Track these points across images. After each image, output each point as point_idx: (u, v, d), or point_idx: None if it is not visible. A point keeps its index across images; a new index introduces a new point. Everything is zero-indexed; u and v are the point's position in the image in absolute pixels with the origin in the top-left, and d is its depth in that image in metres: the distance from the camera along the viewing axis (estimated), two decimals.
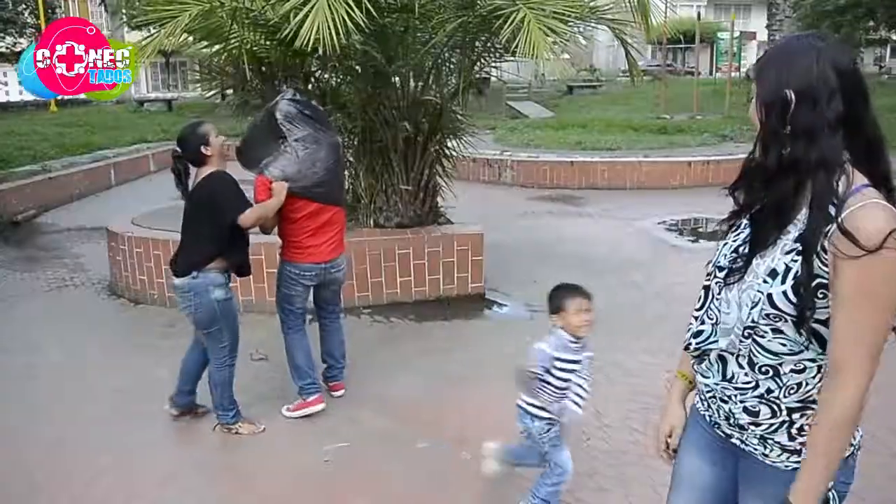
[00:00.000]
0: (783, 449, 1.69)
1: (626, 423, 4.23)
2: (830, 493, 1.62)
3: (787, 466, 1.69)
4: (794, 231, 1.62)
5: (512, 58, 4.42)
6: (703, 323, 1.79)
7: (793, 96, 1.58)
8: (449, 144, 6.80)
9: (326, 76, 6.23)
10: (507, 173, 13.19)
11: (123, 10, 23.79)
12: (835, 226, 1.50)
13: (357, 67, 6.06)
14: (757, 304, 1.63)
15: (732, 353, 1.71)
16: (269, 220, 4.20)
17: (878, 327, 1.51)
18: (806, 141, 1.58)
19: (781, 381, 1.65)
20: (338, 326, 4.78)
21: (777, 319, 1.61)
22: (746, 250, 1.71)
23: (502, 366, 4.84)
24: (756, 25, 40.45)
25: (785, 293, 1.58)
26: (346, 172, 5.95)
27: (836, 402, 1.53)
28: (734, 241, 1.76)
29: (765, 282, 1.62)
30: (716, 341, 1.75)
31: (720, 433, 1.83)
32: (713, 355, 1.76)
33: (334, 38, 4.16)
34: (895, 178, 1.63)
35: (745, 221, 1.76)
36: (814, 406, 1.63)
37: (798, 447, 1.67)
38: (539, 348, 3.07)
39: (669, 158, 12.91)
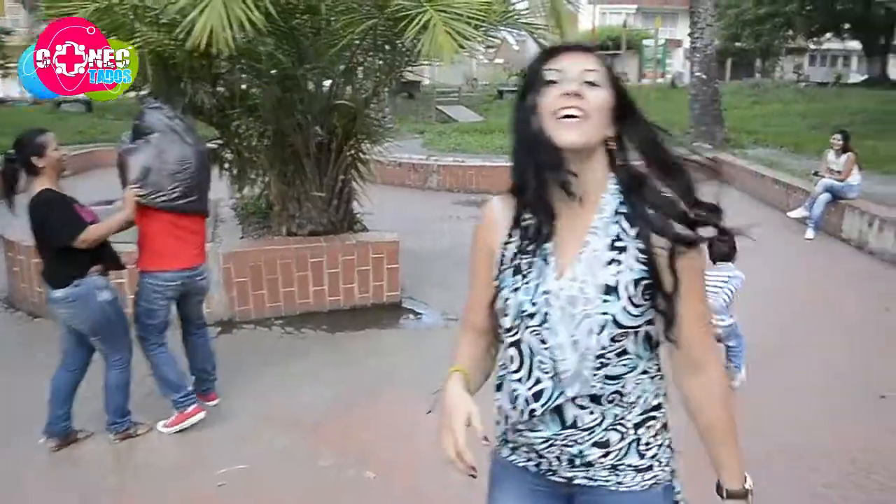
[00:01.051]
0: (636, 470, 1.60)
1: None
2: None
3: (643, 486, 1.61)
4: (597, 240, 1.52)
5: (439, 62, 4.29)
6: (538, 382, 1.55)
7: None
8: (364, 149, 6.63)
9: (235, 78, 5.99)
10: (434, 178, 13.08)
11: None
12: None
13: (268, 70, 5.84)
14: (603, 328, 1.50)
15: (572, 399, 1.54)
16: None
17: (707, 313, 1.63)
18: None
19: (625, 401, 1.56)
20: (206, 339, 4.65)
21: (622, 338, 1.52)
22: (544, 284, 1.53)
23: (415, 378, 4.76)
24: (682, 33, 41.44)
25: (625, 308, 1.49)
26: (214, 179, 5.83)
27: (716, 392, 1.59)
28: (526, 281, 1.55)
29: (605, 302, 1.50)
30: (562, 392, 1.54)
31: (555, 479, 1.65)
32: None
33: (229, 38, 3.96)
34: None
35: (527, 259, 1.57)
36: (654, 413, 1.61)
37: (649, 463, 1.61)
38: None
39: None
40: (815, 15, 32.57)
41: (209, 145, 6.76)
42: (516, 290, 1.54)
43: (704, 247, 1.54)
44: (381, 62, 6.09)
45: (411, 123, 21.96)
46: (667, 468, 1.63)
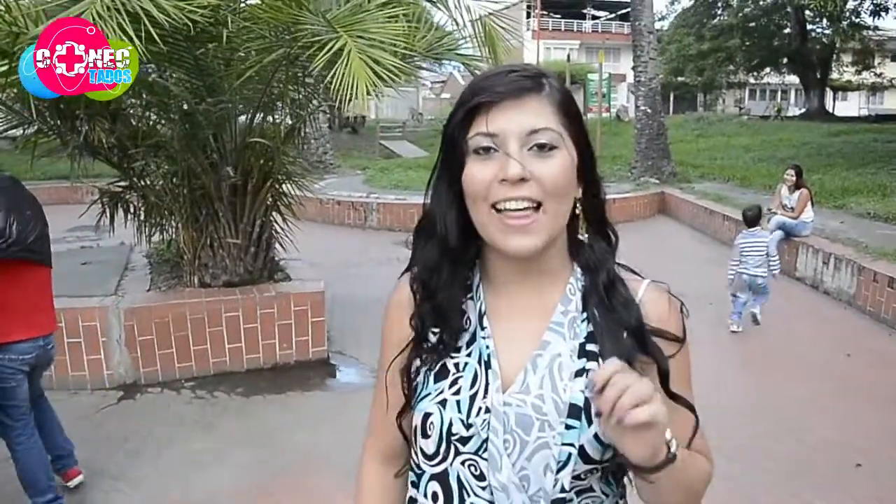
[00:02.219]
0: None
1: None
2: None
3: None
4: (559, 340, 1.10)
5: (354, 95, 3.76)
6: None
7: None
8: (285, 191, 6.03)
9: (138, 114, 5.37)
10: (374, 216, 12.52)
11: None
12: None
13: (174, 104, 5.24)
14: (565, 464, 1.06)
15: None
16: None
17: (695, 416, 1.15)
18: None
19: None
20: (52, 410, 4.00)
21: (587, 476, 1.08)
22: (483, 397, 1.09)
23: (336, 457, 4.13)
24: (626, 68, 41.95)
25: (597, 435, 1.04)
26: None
27: (705, 467, 1.16)
28: (456, 390, 1.11)
29: (568, 428, 1.05)
30: None
31: None
32: None
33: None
34: None
35: (457, 358, 1.14)
36: None
37: None
38: None
39: None
40: (754, 50, 33.21)
41: (112, 187, 6.14)
42: (443, 402, 1.11)
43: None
44: (300, 96, 5.53)
45: (354, 159, 21.45)
46: None
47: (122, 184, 5.97)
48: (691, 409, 1.12)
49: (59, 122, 5.30)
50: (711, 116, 31.32)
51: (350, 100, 3.57)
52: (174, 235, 5.93)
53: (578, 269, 1.15)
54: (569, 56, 25.80)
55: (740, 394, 5.23)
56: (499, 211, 1.05)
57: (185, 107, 5.35)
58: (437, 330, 1.15)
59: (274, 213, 6.10)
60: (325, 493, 3.88)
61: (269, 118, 5.71)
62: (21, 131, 5.50)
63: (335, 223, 12.90)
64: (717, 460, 1.24)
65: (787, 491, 3.88)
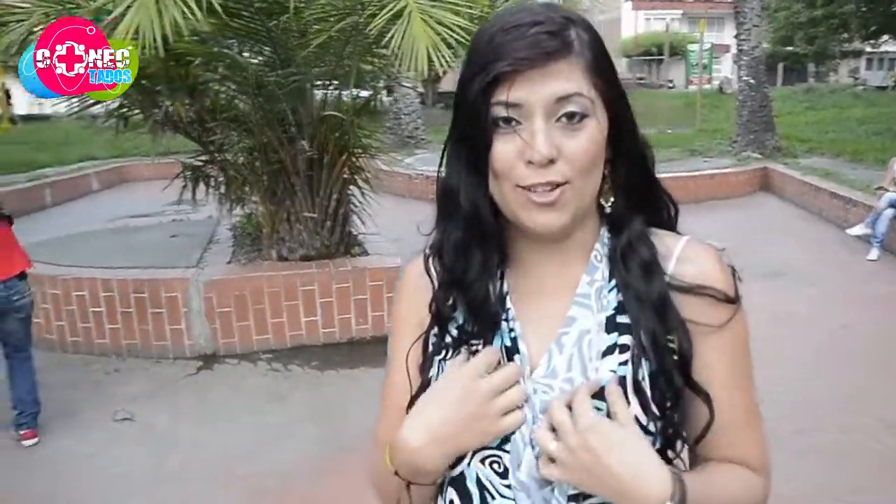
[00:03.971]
0: None
1: None
2: None
3: None
4: (586, 315, 0.98)
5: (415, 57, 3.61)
6: None
7: None
8: (362, 164, 5.98)
9: (215, 88, 5.40)
10: None
11: None
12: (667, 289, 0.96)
13: (248, 77, 5.24)
14: None
15: None
16: None
17: (756, 404, 1.03)
18: None
19: None
20: (29, 367, 4.19)
21: None
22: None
23: None
24: (730, 38, 40.20)
25: (636, 418, 0.92)
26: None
27: (751, 489, 1.01)
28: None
29: (598, 410, 0.91)
30: None
31: None
32: None
33: (158, 39, 3.37)
34: None
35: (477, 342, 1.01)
36: None
37: None
38: None
39: None
40: (871, 16, 31.06)
41: (194, 161, 6.25)
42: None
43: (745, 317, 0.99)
44: (374, 68, 5.44)
45: (446, 134, 21.32)
46: None
47: (203, 158, 6.06)
48: (708, 402, 0.97)
49: (140, 97, 5.40)
50: (823, 88, 29.63)
51: (411, 65, 3.42)
52: (254, 209, 5.97)
53: (606, 235, 1.02)
54: (667, 26, 24.81)
55: (833, 389, 4.86)
56: (525, 192, 0.93)
57: (259, 80, 5.37)
58: (460, 319, 1.03)
59: (351, 188, 6.05)
60: None
61: (344, 92, 5.64)
62: (102, 108, 5.63)
63: (423, 199, 12.84)
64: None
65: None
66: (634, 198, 1.02)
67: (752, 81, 14.54)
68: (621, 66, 42.53)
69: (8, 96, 27.18)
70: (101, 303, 5.55)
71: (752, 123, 14.62)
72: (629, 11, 42.14)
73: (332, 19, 4.41)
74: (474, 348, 1.00)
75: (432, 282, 1.05)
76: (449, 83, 31.87)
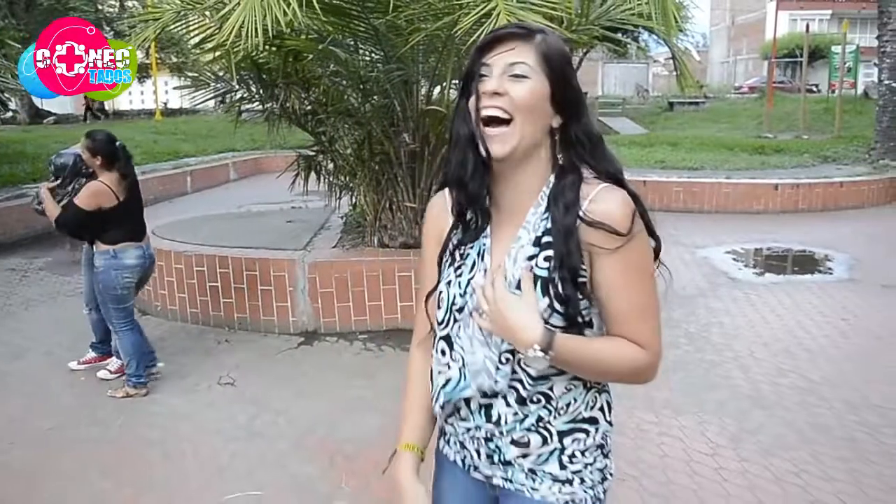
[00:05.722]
0: (554, 479, 1.53)
1: None
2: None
3: (557, 500, 1.53)
4: (526, 235, 1.48)
5: None
6: (448, 368, 1.54)
7: None
8: None
9: (326, 83, 5.76)
10: None
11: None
12: (579, 221, 1.43)
13: (356, 72, 5.58)
14: None
15: (496, 395, 1.50)
16: None
17: (652, 303, 1.48)
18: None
19: (551, 404, 1.49)
20: None
21: None
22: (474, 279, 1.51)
23: None
24: None
25: (550, 305, 1.43)
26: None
27: (637, 361, 1.47)
28: (459, 274, 1.54)
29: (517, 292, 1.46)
30: (467, 386, 1.51)
31: (477, 477, 1.60)
32: (474, 403, 1.53)
33: (259, 36, 3.71)
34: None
35: (462, 251, 1.56)
36: (586, 427, 1.54)
37: (570, 476, 1.53)
38: None
39: (754, 180, 11.79)
40: None
41: (307, 152, 6.67)
42: (449, 283, 1.54)
43: (645, 241, 1.47)
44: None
45: None
46: (590, 491, 1.54)
47: (315, 148, 6.47)
48: (589, 299, 1.45)
49: (260, 90, 5.85)
50: None
51: None
52: (359, 198, 6.32)
53: (552, 181, 1.48)
54: (807, 26, 23.61)
55: None
56: (483, 122, 1.43)
57: (364, 74, 5.69)
58: (470, 214, 1.53)
59: None
60: None
61: (449, 88, 5.88)
62: (224, 100, 6.12)
63: None
64: None
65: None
66: (580, 155, 1.48)
67: (894, 85, 13.74)
68: (762, 68, 40.69)
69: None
70: (218, 278, 6.05)
71: (893, 130, 13.82)
72: (782, 12, 40.35)
73: (431, 18, 4.64)
74: (465, 251, 1.54)
75: (451, 197, 1.57)
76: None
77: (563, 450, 1.52)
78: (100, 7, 29.45)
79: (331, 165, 6.53)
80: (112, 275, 4.55)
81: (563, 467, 1.52)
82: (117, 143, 4.47)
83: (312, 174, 6.73)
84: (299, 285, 5.90)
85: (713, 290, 7.16)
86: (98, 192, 4.43)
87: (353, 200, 6.71)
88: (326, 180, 6.65)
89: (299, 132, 6.86)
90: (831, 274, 7.87)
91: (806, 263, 8.54)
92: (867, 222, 10.67)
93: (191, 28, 5.31)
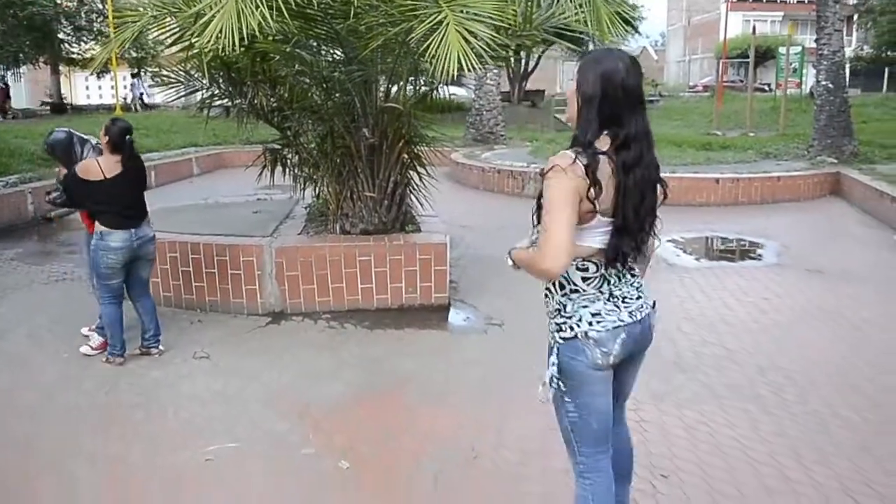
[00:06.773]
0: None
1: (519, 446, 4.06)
2: (552, 368, 2.50)
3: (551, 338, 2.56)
4: None
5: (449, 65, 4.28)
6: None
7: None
8: (419, 152, 6.72)
9: (292, 81, 6.22)
10: (531, 186, 13.00)
11: None
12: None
13: (320, 72, 6.05)
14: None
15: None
16: None
17: (548, 224, 2.27)
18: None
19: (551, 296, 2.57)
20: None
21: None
22: None
23: (428, 384, 4.84)
24: None
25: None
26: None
27: (535, 261, 2.36)
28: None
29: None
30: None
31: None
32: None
33: (235, 42, 4.17)
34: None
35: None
36: (560, 309, 2.51)
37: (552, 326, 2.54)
38: None
39: (696, 175, 12.46)
40: None
41: (273, 146, 7.11)
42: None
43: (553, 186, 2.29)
44: (430, 66, 6.14)
45: (527, 132, 22.00)
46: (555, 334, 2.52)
47: (281, 142, 6.92)
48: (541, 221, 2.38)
49: (230, 88, 6.28)
50: None
51: (444, 71, 4.11)
52: (322, 189, 6.78)
53: None
54: (754, 28, 24.59)
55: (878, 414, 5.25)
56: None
57: (327, 74, 6.15)
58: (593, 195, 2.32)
59: (410, 172, 6.79)
60: (411, 409, 4.55)
61: (405, 87, 6.38)
62: (197, 97, 6.54)
63: (494, 191, 13.56)
64: None
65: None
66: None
67: (830, 86, 14.54)
68: (715, 67, 41.76)
69: (7, 95, 29.74)
70: (190, 263, 6.47)
71: (830, 128, 14.63)
72: (735, 14, 41.49)
73: (388, 24, 5.13)
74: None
75: (585, 158, 2.30)
76: (535, 83, 32.37)
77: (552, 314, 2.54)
78: (58, 2, 29.30)
79: (296, 158, 6.99)
80: (99, 254, 5.00)
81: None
82: (128, 138, 5.04)
83: (279, 167, 7.16)
84: (267, 269, 6.34)
85: (651, 274, 7.68)
86: (89, 163, 5.06)
87: (317, 191, 7.16)
88: (291, 172, 7.10)
89: (263, 128, 7.31)
90: (760, 259, 8.54)
91: (738, 251, 9.23)
92: (801, 214, 11.40)
93: (167, 31, 5.69)
